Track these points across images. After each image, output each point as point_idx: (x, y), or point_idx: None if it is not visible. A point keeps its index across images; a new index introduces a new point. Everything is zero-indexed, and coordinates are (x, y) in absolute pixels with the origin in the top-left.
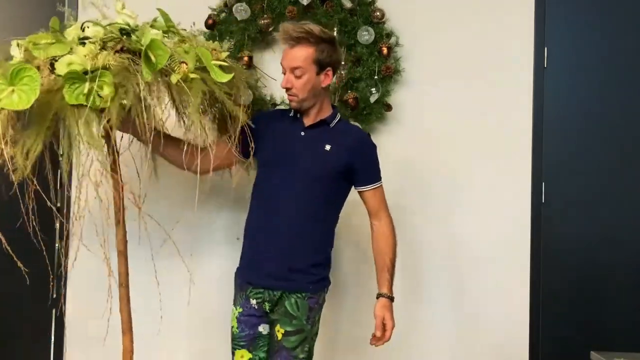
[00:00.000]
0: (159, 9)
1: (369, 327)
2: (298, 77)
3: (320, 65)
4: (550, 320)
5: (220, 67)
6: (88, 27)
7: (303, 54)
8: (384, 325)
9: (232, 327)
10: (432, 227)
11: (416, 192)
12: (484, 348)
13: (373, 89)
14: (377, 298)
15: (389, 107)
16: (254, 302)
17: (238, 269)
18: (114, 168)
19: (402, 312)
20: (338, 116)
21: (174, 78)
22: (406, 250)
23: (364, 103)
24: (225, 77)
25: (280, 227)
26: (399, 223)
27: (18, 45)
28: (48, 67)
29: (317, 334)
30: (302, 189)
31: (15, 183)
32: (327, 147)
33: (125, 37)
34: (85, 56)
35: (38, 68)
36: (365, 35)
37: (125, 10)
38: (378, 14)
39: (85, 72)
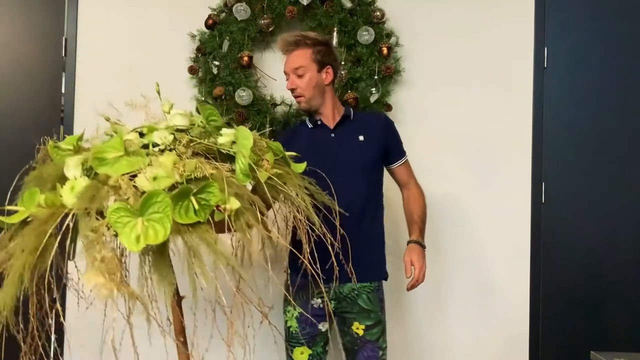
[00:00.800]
0: (200, 105)
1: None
2: (301, 77)
3: (320, 64)
4: (550, 320)
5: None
6: (142, 132)
7: (302, 54)
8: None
9: (290, 326)
10: (431, 227)
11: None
12: (484, 348)
13: (373, 89)
14: (407, 245)
15: (389, 107)
16: (318, 300)
17: (293, 270)
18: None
19: (402, 312)
20: (351, 109)
21: (263, 176)
22: (405, 249)
23: (364, 103)
24: (300, 167)
25: (343, 225)
26: (398, 222)
27: (83, 164)
28: (132, 187)
29: None
30: (353, 183)
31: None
32: (361, 138)
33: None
34: (173, 167)
35: (115, 189)
36: (365, 35)
37: (176, 110)
38: (378, 14)
39: (176, 185)
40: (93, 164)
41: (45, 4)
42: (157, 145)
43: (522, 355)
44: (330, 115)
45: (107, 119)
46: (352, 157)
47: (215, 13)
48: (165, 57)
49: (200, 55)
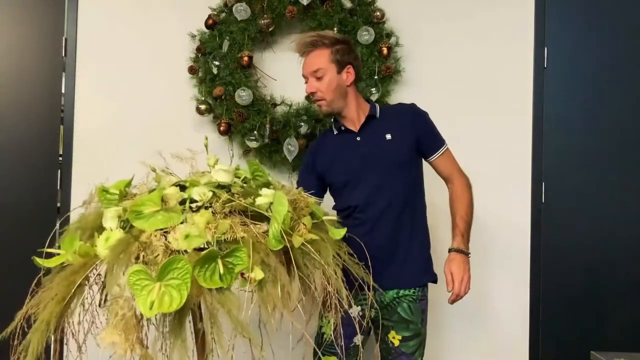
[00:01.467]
0: (248, 161)
1: None
2: (320, 79)
3: (339, 64)
4: (550, 320)
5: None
6: (181, 186)
7: (320, 55)
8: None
9: (324, 333)
10: (431, 227)
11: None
12: (484, 348)
13: (373, 89)
14: (448, 253)
15: None
16: (358, 308)
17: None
18: None
19: None
20: (377, 106)
21: (297, 241)
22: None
23: None
24: (340, 233)
25: (380, 230)
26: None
27: (119, 216)
28: (163, 244)
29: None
30: (387, 185)
31: None
32: (388, 137)
33: (237, 197)
34: (205, 227)
35: (146, 245)
36: (365, 35)
37: (220, 165)
38: (378, 14)
39: (206, 245)
40: (129, 217)
41: (45, 4)
42: (195, 201)
43: (522, 355)
44: (354, 118)
45: (153, 170)
46: (381, 159)
47: (215, 13)
48: (165, 57)
49: (200, 55)
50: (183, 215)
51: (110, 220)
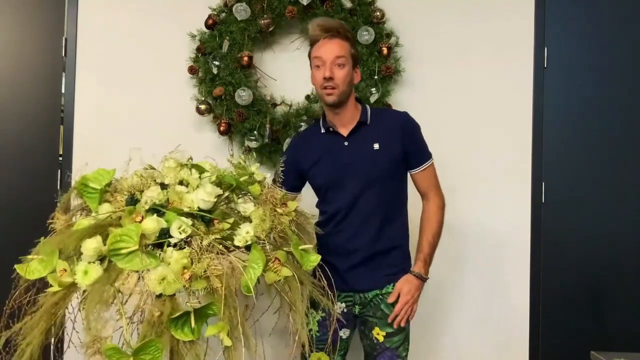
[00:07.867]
0: (246, 157)
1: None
2: (341, 67)
3: (354, 61)
4: (551, 320)
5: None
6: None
7: (344, 44)
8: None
9: (311, 330)
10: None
11: (415, 192)
12: (484, 348)
13: (373, 89)
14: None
15: (388, 107)
16: (342, 305)
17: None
18: None
19: None
20: (369, 109)
21: (270, 278)
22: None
23: None
24: (313, 263)
25: (362, 238)
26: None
27: (98, 250)
28: (139, 288)
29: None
30: (369, 195)
31: None
32: (376, 146)
33: (217, 224)
34: (182, 272)
35: (122, 287)
36: (365, 35)
37: (201, 194)
38: (378, 14)
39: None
40: (109, 255)
41: (45, 4)
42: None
43: (522, 355)
44: (346, 120)
45: (140, 176)
46: (366, 169)
47: (215, 13)
48: (165, 57)
49: (200, 55)
50: (159, 259)
51: (89, 256)
